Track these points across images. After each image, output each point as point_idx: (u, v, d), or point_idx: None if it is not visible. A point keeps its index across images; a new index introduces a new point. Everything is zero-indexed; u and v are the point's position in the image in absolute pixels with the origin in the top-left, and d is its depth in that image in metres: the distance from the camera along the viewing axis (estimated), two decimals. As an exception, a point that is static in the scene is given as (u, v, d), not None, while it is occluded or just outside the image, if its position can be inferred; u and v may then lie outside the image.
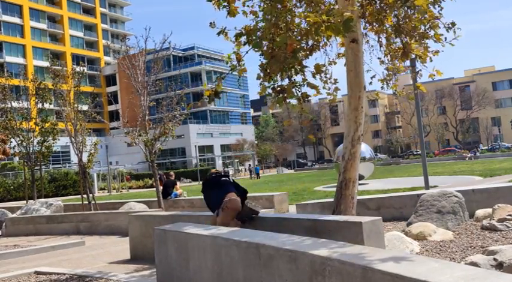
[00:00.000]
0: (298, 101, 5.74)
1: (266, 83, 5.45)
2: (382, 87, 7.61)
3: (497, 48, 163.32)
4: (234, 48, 5.78)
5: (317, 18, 4.67)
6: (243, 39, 5.55)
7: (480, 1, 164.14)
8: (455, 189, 7.51)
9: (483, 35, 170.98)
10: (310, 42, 6.58)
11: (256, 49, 5.35)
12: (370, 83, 7.33)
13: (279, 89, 5.42)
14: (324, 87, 7.33)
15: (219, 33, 5.74)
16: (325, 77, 7.33)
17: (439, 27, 6.10)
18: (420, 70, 6.85)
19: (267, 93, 5.56)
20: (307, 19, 5.07)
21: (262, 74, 5.35)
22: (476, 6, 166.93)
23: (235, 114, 77.98)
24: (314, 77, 5.68)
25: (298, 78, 5.73)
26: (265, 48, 5.42)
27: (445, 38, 6.12)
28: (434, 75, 6.79)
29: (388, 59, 7.17)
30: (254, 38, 5.39)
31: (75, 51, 73.36)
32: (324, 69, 7.41)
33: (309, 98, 5.90)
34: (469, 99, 78.88)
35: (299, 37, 5.43)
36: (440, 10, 6.05)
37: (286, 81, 5.51)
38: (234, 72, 6.17)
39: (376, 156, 31.43)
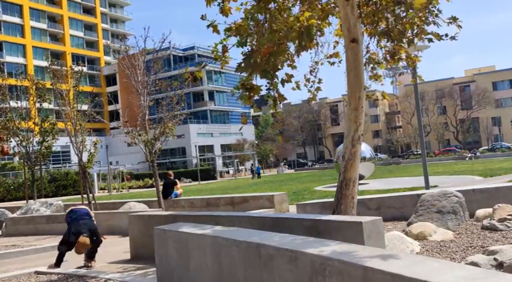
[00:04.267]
0: (273, 102, 5.77)
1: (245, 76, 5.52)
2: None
3: (497, 48, 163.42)
4: (222, 40, 5.78)
5: (292, 23, 4.72)
6: (230, 33, 5.60)
7: (481, 2, 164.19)
8: (455, 189, 7.51)
9: (483, 35, 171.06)
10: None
11: (240, 47, 5.41)
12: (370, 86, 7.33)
13: (247, 86, 5.48)
14: (305, 85, 7.33)
15: (208, 26, 5.75)
16: (311, 75, 7.34)
17: (428, 33, 6.04)
18: (403, 73, 6.88)
19: (235, 86, 5.64)
20: (286, 24, 5.11)
21: (236, 70, 5.45)
22: (477, 6, 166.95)
23: (235, 114, 77.93)
24: (283, 84, 5.71)
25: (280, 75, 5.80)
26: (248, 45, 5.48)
27: (446, 35, 6.07)
28: (416, 80, 6.83)
29: (371, 66, 7.15)
30: (240, 35, 5.45)
31: (75, 51, 73.29)
32: (314, 69, 7.45)
33: (285, 100, 5.93)
34: (469, 99, 78.84)
35: (278, 40, 5.46)
36: (433, 7, 5.97)
37: (261, 82, 5.58)
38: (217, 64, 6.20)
39: (376, 156, 31.43)
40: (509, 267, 4.10)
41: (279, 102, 5.77)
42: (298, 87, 7.21)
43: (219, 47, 5.82)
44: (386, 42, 6.44)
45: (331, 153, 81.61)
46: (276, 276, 3.55)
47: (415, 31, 6.01)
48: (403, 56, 6.66)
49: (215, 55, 5.90)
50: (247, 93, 5.52)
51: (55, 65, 16.65)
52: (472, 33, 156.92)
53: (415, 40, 6.11)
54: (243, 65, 5.31)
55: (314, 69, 7.37)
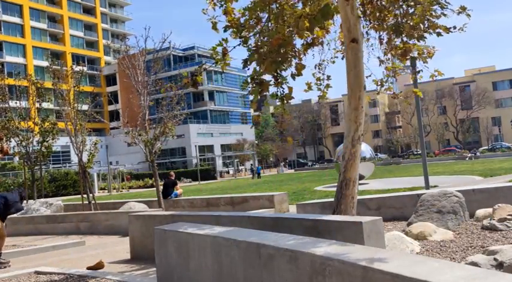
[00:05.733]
0: (281, 101, 5.74)
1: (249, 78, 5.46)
2: (377, 92, 7.54)
3: (497, 48, 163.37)
4: (221, 43, 5.76)
5: (301, 11, 4.67)
6: (230, 31, 5.59)
7: (481, 2, 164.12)
8: (455, 189, 7.51)
9: (483, 35, 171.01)
10: (309, 38, 6.58)
11: (244, 45, 5.38)
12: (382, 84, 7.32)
13: (257, 81, 5.42)
14: (316, 84, 7.34)
15: (208, 20, 5.76)
16: (319, 72, 7.34)
17: (438, 27, 6.05)
18: (421, 70, 6.80)
19: (245, 80, 5.57)
20: (295, 13, 5.07)
21: (242, 66, 5.40)
22: (477, 6, 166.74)
23: (235, 114, 77.99)
24: (293, 78, 5.65)
25: (285, 72, 5.73)
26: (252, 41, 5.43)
27: (454, 27, 6.06)
28: (436, 76, 6.76)
29: (387, 58, 7.14)
30: (239, 30, 5.43)
31: (75, 51, 73.31)
32: (320, 65, 7.43)
33: (292, 100, 5.86)
34: (469, 99, 78.86)
35: (288, 30, 5.42)
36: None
37: (267, 78, 5.51)
38: (217, 67, 6.16)
39: (376, 156, 31.43)
40: (509, 267, 4.10)
41: (286, 102, 5.73)
42: (310, 87, 7.22)
43: (219, 49, 5.80)
44: (397, 37, 6.41)
45: (331, 153, 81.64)
46: (276, 276, 3.56)
47: (425, 25, 6.00)
48: (415, 53, 6.60)
49: (215, 59, 5.88)
50: (258, 87, 5.46)
51: (55, 65, 16.63)
52: (472, 33, 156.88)
53: (425, 35, 6.11)
54: (253, 56, 5.26)
55: (321, 64, 7.40)
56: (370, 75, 7.22)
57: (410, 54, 6.51)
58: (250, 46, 5.57)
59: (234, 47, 5.71)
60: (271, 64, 5.09)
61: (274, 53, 5.06)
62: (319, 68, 7.36)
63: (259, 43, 5.41)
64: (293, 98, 5.73)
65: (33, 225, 13.02)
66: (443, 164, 40.42)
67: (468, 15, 5.88)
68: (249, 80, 5.51)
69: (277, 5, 5.51)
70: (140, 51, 13.73)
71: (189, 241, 4.77)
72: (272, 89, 5.64)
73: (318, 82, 7.33)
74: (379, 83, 7.24)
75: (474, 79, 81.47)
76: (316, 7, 5.17)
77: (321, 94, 7.40)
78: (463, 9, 5.90)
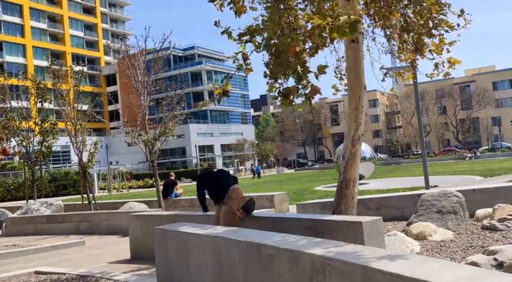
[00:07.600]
0: (307, 99, 5.74)
1: (274, 82, 5.47)
2: (397, 81, 7.68)
3: (497, 48, 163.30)
4: (240, 48, 5.77)
5: (321, 21, 4.65)
6: (246, 38, 5.56)
7: (480, 2, 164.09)
8: (455, 189, 7.51)
9: (483, 34, 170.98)
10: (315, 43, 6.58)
11: (261, 50, 5.37)
12: (383, 79, 7.38)
13: (284, 92, 5.45)
14: (340, 84, 7.43)
15: (222, 33, 5.74)
16: (340, 74, 7.40)
17: (445, 23, 6.09)
18: (438, 63, 6.79)
19: (273, 95, 5.59)
20: (311, 21, 5.05)
21: (268, 72, 5.37)
22: (478, 6, 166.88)
23: (235, 114, 77.93)
24: (317, 78, 5.65)
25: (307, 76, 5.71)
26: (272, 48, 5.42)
27: (458, 24, 6.13)
28: (454, 66, 6.78)
29: (402, 53, 7.18)
30: (259, 38, 5.41)
31: (75, 51, 73.28)
32: (338, 68, 7.53)
33: (318, 95, 5.86)
34: (469, 99, 78.81)
35: (302, 38, 5.39)
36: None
37: (291, 82, 5.52)
38: (238, 73, 6.15)
39: (376, 156, 31.40)
40: (509, 267, 4.10)
41: (313, 97, 5.76)
42: (337, 89, 7.46)
43: (239, 56, 5.81)
44: (407, 35, 6.44)
45: (331, 153, 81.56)
46: (276, 276, 3.55)
47: (435, 22, 6.04)
48: (429, 49, 6.63)
49: (237, 65, 5.89)
50: (286, 99, 5.53)
51: (55, 65, 16.63)
52: (472, 33, 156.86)
53: (434, 32, 6.15)
54: (271, 66, 5.27)
55: (338, 67, 7.58)
56: (387, 72, 7.32)
57: (425, 47, 6.52)
58: (268, 51, 5.55)
59: (252, 52, 5.70)
60: (295, 74, 5.12)
61: (292, 61, 5.07)
62: (336, 70, 7.51)
63: (278, 49, 5.38)
64: (318, 91, 5.73)
65: (33, 225, 13.02)
66: (443, 164, 40.40)
67: (465, 19, 5.97)
68: (276, 94, 5.55)
69: (284, 8, 5.49)
70: (140, 51, 13.73)
71: (189, 241, 4.77)
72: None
73: (342, 82, 7.44)
74: (400, 76, 7.29)
75: (474, 79, 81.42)
76: (337, 18, 5.16)
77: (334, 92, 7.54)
78: (462, 12, 5.98)
